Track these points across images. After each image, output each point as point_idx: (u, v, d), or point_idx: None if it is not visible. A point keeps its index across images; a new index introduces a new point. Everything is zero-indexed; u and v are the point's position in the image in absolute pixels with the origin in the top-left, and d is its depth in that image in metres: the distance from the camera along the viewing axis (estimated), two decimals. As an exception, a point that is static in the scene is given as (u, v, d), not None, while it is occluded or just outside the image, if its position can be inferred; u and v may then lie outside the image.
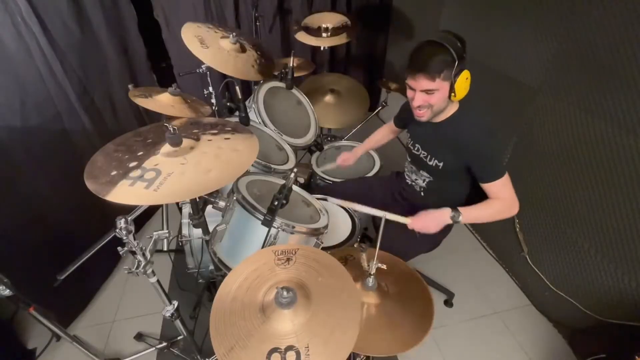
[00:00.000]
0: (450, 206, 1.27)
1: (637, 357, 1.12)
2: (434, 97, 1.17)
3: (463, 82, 1.15)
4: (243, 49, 1.68)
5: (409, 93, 1.23)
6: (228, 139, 1.02)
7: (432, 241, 1.53)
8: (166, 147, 0.93)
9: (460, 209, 1.26)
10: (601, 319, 1.48)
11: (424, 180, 1.44)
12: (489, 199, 1.26)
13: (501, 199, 1.24)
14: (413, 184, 1.50)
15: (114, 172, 0.86)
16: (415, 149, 1.41)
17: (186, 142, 0.95)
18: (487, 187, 1.24)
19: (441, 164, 1.31)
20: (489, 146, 1.22)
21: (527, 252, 1.82)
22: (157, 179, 0.84)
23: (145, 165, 0.88)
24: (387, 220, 1.17)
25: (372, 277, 1.02)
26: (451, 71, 1.12)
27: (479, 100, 2.00)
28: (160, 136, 0.96)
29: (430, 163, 1.35)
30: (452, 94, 1.16)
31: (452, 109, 1.27)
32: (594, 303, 1.52)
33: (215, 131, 1.05)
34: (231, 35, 1.64)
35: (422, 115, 1.24)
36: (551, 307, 1.75)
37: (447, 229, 1.53)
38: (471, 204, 1.41)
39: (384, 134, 1.74)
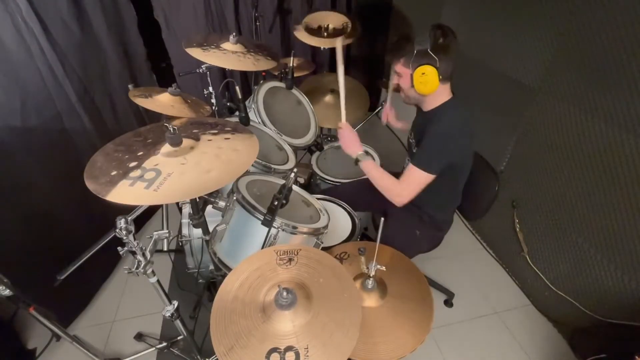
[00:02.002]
0: (438, 206, 1.31)
1: (637, 357, 1.12)
2: (401, 81, 1.27)
3: (419, 75, 1.17)
4: (246, 49, 1.70)
5: None
6: (228, 139, 1.02)
7: (431, 241, 1.53)
8: (166, 147, 0.93)
9: (369, 159, 1.35)
10: (601, 319, 1.48)
11: None
12: (394, 178, 1.32)
13: (400, 183, 1.28)
14: None
15: (114, 172, 0.86)
16: (411, 137, 1.47)
17: (186, 142, 0.95)
18: (408, 164, 1.29)
19: None
20: (440, 139, 1.22)
21: (527, 252, 1.82)
22: (157, 179, 0.84)
23: (145, 165, 0.88)
24: (384, 214, 1.18)
25: (371, 279, 1.02)
26: (409, 61, 1.18)
27: (478, 100, 2.01)
28: (160, 136, 0.96)
29: (415, 150, 1.39)
30: (411, 84, 1.21)
31: (441, 99, 1.27)
32: (594, 303, 1.52)
33: (215, 131, 1.05)
34: (231, 37, 1.66)
35: (401, 95, 1.35)
36: (551, 307, 1.75)
37: (445, 227, 1.54)
38: (463, 205, 1.50)
39: None
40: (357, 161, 1.36)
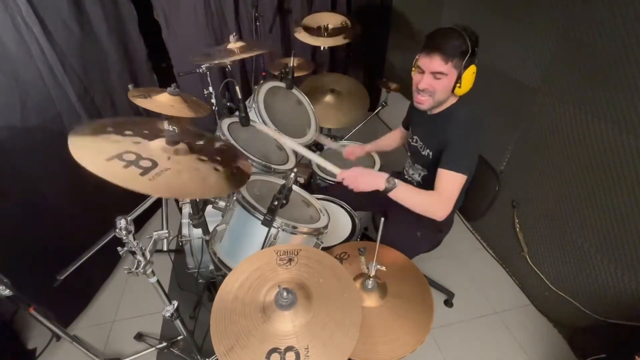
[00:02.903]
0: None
1: (637, 357, 1.12)
2: (441, 83, 1.18)
3: (469, 75, 1.17)
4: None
5: (417, 77, 1.23)
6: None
7: (432, 241, 1.53)
8: (162, 143, 0.92)
9: (399, 182, 1.18)
10: (601, 319, 1.48)
11: (419, 175, 1.45)
12: (430, 191, 1.21)
13: (439, 194, 1.19)
14: (410, 179, 1.51)
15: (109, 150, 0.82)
16: (414, 140, 1.44)
17: (182, 145, 0.94)
18: (439, 172, 1.19)
19: (431, 153, 1.33)
20: (465, 138, 1.20)
21: (527, 252, 1.82)
22: (153, 169, 0.82)
23: (140, 152, 0.85)
24: (384, 214, 1.15)
25: (371, 279, 1.02)
26: (462, 61, 1.14)
27: (478, 100, 2.01)
28: (159, 135, 0.96)
29: (423, 153, 1.37)
30: (458, 85, 1.17)
31: (451, 102, 1.28)
32: (594, 303, 1.52)
33: (205, 158, 0.98)
34: (231, 37, 1.66)
35: (423, 102, 1.25)
36: (551, 307, 1.75)
37: (445, 229, 1.53)
38: (464, 204, 1.47)
39: (393, 137, 1.75)
40: (386, 191, 1.18)
